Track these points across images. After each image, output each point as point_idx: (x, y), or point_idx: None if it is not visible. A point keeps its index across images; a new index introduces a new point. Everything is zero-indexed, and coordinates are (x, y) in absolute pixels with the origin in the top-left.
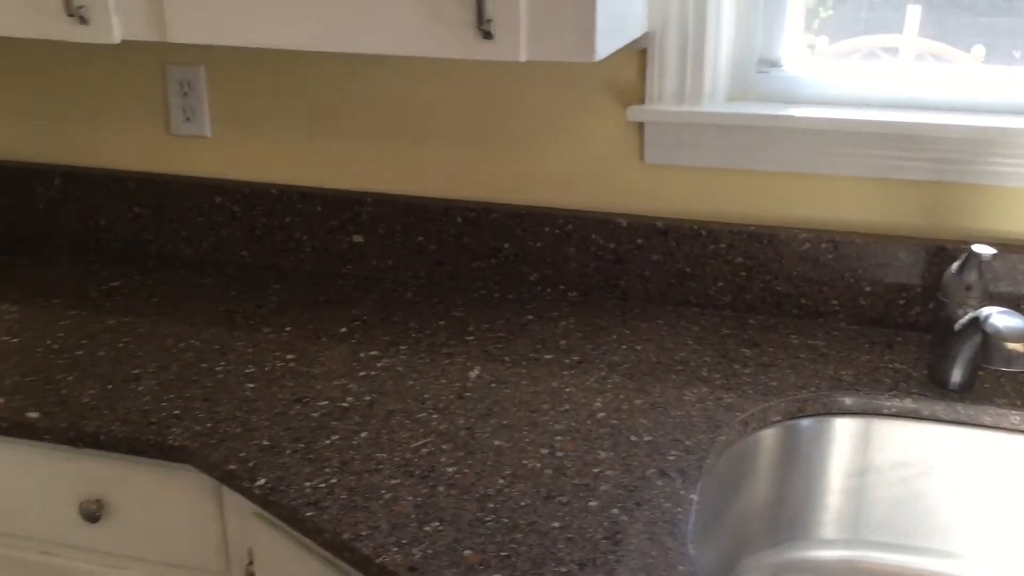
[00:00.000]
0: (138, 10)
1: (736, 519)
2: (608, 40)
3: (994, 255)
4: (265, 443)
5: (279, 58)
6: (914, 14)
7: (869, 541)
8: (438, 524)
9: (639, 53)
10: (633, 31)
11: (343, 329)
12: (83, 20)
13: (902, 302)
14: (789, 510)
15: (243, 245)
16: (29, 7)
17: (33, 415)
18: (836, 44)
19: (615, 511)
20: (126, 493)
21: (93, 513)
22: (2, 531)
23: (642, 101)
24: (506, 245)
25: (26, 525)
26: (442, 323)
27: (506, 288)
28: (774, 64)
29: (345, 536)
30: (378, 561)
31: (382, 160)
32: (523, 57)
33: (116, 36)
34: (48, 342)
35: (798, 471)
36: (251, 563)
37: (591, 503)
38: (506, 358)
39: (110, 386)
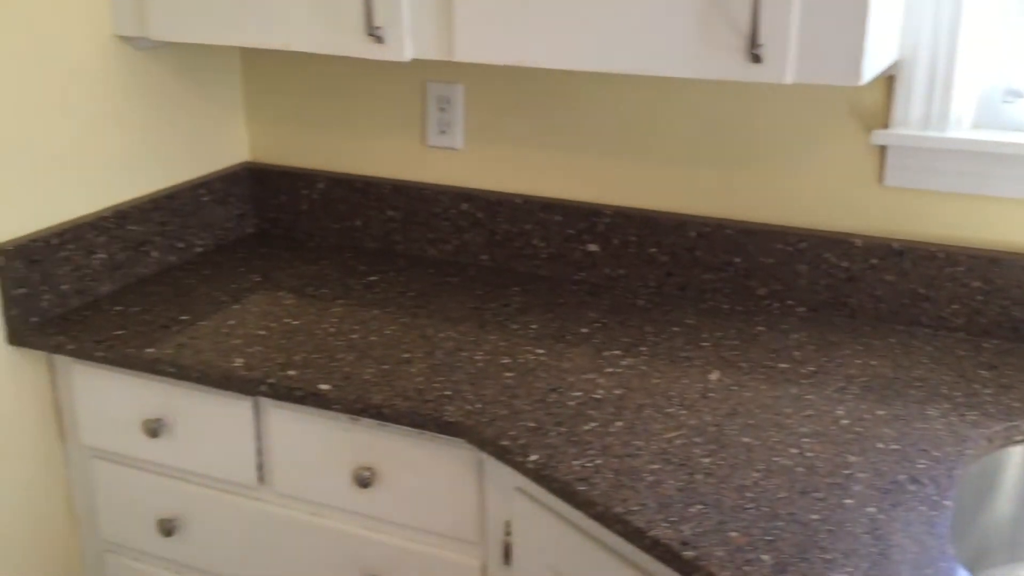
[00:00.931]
0: (430, 31)
1: (977, 532)
2: (871, 65)
3: None
4: (531, 425)
5: (533, 76)
6: None
7: None
8: (702, 507)
9: (885, 79)
10: (889, 57)
11: (584, 329)
12: (379, 39)
13: None
14: None
15: (484, 249)
16: (332, 26)
17: (324, 387)
18: None
19: (871, 509)
20: (395, 463)
21: (365, 479)
22: (280, 492)
23: (886, 125)
24: (737, 260)
25: (302, 488)
26: (676, 329)
27: (734, 301)
28: (1019, 94)
29: (617, 510)
30: (651, 534)
31: (622, 174)
32: (789, 80)
33: (407, 55)
34: (325, 326)
35: None
36: (508, 534)
37: (846, 501)
38: (742, 364)
39: (385, 367)
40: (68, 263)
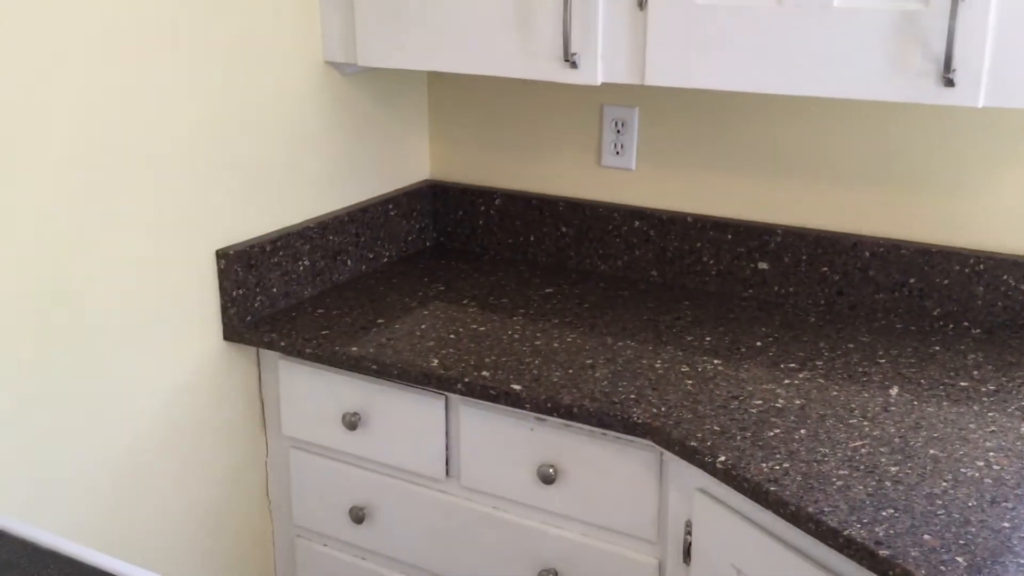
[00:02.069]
0: (622, 57)
1: None
2: None
3: None
4: (716, 428)
5: (706, 99)
6: None
7: None
8: (893, 511)
9: None
10: None
11: (758, 343)
12: (574, 65)
13: None
14: None
15: (653, 265)
16: (528, 53)
17: (517, 387)
18: None
19: None
20: (578, 462)
21: (549, 476)
22: (465, 486)
23: None
24: (912, 280)
25: (487, 483)
26: (851, 346)
27: (907, 320)
28: None
29: (810, 510)
30: (845, 533)
31: (795, 195)
32: (982, 104)
33: (600, 79)
34: (509, 332)
35: None
36: (689, 533)
37: None
38: (922, 381)
39: (571, 371)
40: (279, 268)
